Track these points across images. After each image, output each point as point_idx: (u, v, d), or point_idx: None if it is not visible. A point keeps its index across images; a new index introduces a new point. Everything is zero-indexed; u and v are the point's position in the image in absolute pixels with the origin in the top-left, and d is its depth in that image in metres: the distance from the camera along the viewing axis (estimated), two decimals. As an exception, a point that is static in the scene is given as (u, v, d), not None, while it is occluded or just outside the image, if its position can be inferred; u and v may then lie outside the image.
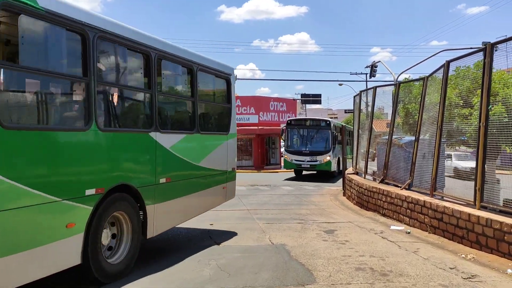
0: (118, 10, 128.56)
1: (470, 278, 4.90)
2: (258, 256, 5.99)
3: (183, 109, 6.94)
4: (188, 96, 6.78)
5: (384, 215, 9.29)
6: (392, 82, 17.36)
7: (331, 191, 15.43)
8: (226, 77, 7.90)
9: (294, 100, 35.18)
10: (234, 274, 5.10)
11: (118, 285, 4.76)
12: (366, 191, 10.51)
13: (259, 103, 30.09)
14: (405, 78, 13.89)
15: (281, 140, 21.73)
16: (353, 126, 15.30)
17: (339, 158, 21.36)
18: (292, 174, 22.00)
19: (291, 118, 22.40)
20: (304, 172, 21.98)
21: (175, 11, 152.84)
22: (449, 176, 8.38)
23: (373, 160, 11.92)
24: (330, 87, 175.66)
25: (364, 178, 11.84)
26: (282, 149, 25.62)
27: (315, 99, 40.90)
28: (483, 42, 16.72)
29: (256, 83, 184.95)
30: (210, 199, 7.26)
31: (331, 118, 62.34)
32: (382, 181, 10.30)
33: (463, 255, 5.92)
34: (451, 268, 5.29)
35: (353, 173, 13.45)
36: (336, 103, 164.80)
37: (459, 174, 8.09)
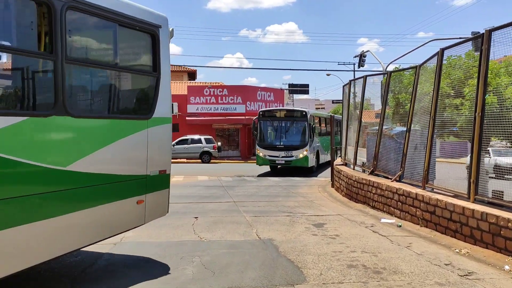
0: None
1: (467, 275, 4.67)
2: (245, 252, 5.69)
3: (16, 71, 4.19)
4: (36, 50, 4.03)
5: (374, 207, 9.07)
6: (382, 72, 17.13)
7: (319, 182, 15.22)
8: (150, 30, 5.04)
9: (282, 90, 34.86)
10: (218, 273, 4.79)
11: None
12: (355, 182, 10.28)
13: (246, 93, 29.69)
14: (396, 67, 13.67)
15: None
16: (342, 116, 15.03)
17: (318, 152, 19.92)
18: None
19: (263, 109, 20.25)
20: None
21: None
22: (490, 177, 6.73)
23: (360, 150, 11.69)
24: (317, 78, 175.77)
25: (353, 169, 11.62)
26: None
27: (303, 89, 40.73)
28: (472, 32, 16.56)
29: (244, 73, 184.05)
30: (104, 223, 4.46)
31: (318, 108, 62.09)
32: (371, 173, 10.08)
33: (457, 250, 5.71)
34: (446, 265, 5.06)
35: (342, 164, 13.22)
36: (323, 93, 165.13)
37: (502, 173, 6.60)
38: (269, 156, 18.46)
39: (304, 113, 18.72)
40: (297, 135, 18.63)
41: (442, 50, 7.43)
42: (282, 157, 18.14)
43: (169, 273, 4.80)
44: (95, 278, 4.71)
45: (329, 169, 18.73)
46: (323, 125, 21.90)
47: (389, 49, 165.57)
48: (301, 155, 17.90)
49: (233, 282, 4.50)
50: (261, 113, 19.52)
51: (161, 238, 6.46)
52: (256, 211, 9.00)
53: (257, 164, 19.24)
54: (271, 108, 22.21)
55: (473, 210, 5.83)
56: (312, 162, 18.79)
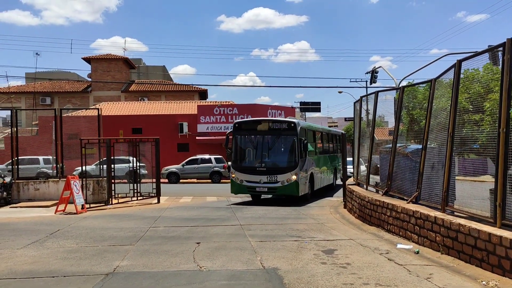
0: (119, 21, 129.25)
1: (497, 314, 4.07)
2: (246, 284, 5.16)
3: None
4: None
5: (389, 231, 8.45)
6: (394, 87, 16.59)
7: (332, 203, 14.59)
8: None
9: (293, 108, 34.47)
10: (214, 310, 4.27)
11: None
12: (368, 204, 9.69)
13: (257, 111, 29.37)
14: (409, 82, 13.14)
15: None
16: (354, 134, 14.48)
17: (312, 175, 15.49)
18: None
19: (239, 120, 15.75)
20: (264, 196, 15.40)
21: (175, 20, 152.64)
22: None
23: (376, 172, 11.12)
24: (330, 96, 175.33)
25: (366, 189, 11.03)
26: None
27: (314, 107, 40.33)
28: (489, 45, 16.00)
29: (257, 93, 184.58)
30: None
31: (331, 126, 61.21)
32: (385, 193, 9.48)
33: (484, 282, 5.10)
34: (472, 301, 4.46)
35: (354, 184, 12.63)
36: (336, 111, 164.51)
37: None
38: (247, 181, 14.15)
39: (292, 124, 14.26)
40: (284, 153, 14.42)
41: (459, 61, 6.93)
42: (264, 182, 13.92)
43: (159, 311, 4.30)
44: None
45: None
46: (319, 141, 18.07)
47: (402, 66, 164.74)
48: (289, 180, 13.78)
49: (228, 322, 3.98)
50: (236, 125, 14.99)
51: (157, 268, 5.98)
52: (262, 235, 8.46)
53: (231, 192, 14.92)
54: (249, 119, 17.28)
55: (500, 237, 5.22)
56: (304, 189, 14.59)
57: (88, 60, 44.05)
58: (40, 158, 21.64)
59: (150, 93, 43.37)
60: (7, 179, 14.73)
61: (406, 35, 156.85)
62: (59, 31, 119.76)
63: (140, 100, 41.12)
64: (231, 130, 15.05)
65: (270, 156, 14.40)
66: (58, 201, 13.00)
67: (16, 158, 15.52)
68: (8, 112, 53.00)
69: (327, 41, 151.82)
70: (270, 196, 15.46)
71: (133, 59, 50.06)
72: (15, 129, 15.80)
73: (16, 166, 15.44)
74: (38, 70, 43.53)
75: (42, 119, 22.15)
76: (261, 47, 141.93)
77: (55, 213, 12.26)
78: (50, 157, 18.81)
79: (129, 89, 43.41)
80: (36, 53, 59.25)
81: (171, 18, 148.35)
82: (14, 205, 14.19)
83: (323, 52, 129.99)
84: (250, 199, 15.50)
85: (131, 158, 16.47)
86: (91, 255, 6.86)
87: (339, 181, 20.31)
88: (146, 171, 18.70)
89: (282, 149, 14.50)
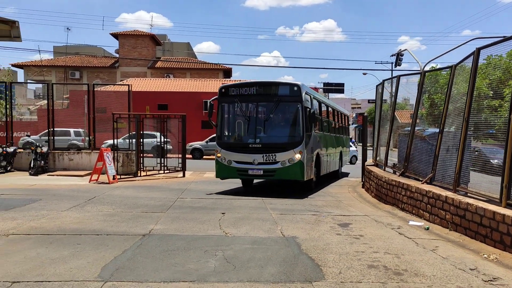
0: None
1: (491, 280, 4.55)
2: (267, 248, 5.77)
3: None
4: None
5: (403, 209, 8.91)
6: (416, 72, 16.63)
7: (350, 183, 15.06)
8: None
9: (316, 88, 34.57)
10: (239, 267, 4.90)
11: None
12: (385, 183, 10.13)
13: (280, 91, 29.56)
14: (432, 67, 13.24)
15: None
16: (375, 116, 14.77)
17: (318, 156, 12.23)
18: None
19: (226, 84, 11.91)
20: (257, 180, 13.28)
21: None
22: None
23: (392, 151, 11.48)
24: (354, 77, 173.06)
25: (384, 170, 11.43)
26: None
27: (338, 88, 40.31)
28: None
29: (280, 71, 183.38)
30: None
31: (354, 108, 60.22)
32: (402, 174, 9.89)
33: (485, 255, 5.55)
34: (471, 269, 4.94)
35: (373, 165, 13.04)
36: (360, 93, 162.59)
37: None
38: (237, 162, 11.15)
39: (295, 88, 11.04)
40: (285, 126, 11.34)
41: (478, 49, 7.18)
42: (259, 163, 10.87)
43: (191, 265, 4.95)
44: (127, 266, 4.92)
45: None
46: (325, 115, 14.69)
47: (431, 48, 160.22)
48: (291, 161, 10.70)
49: (252, 276, 4.59)
50: (223, 90, 11.60)
51: (187, 232, 6.66)
52: (283, 209, 9.06)
53: (216, 177, 11.86)
54: (240, 82, 12.67)
55: (504, 215, 5.64)
56: (309, 174, 11.44)
57: (115, 35, 44.94)
58: (71, 130, 22.68)
59: (176, 70, 44.09)
60: (45, 149, 15.74)
61: (437, 15, 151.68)
62: (84, 5, 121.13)
63: (166, 77, 41.92)
64: (216, 97, 11.79)
65: (267, 130, 11.18)
66: (91, 171, 13.94)
67: (52, 130, 16.51)
68: (38, 85, 54.41)
69: (354, 20, 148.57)
70: (263, 180, 13.15)
71: (158, 35, 50.69)
72: (51, 102, 16.74)
73: (52, 137, 16.44)
74: (65, 45, 44.75)
75: (73, 93, 23.11)
76: (286, 25, 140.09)
77: (89, 182, 13.18)
78: (81, 129, 19.81)
79: (155, 66, 44.24)
80: (67, 28, 60.67)
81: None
82: (51, 173, 15.23)
83: (350, 32, 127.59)
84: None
85: (157, 134, 17.28)
86: (127, 219, 7.60)
87: (344, 168, 18.74)
88: (171, 147, 19.50)
89: (283, 120, 11.44)
